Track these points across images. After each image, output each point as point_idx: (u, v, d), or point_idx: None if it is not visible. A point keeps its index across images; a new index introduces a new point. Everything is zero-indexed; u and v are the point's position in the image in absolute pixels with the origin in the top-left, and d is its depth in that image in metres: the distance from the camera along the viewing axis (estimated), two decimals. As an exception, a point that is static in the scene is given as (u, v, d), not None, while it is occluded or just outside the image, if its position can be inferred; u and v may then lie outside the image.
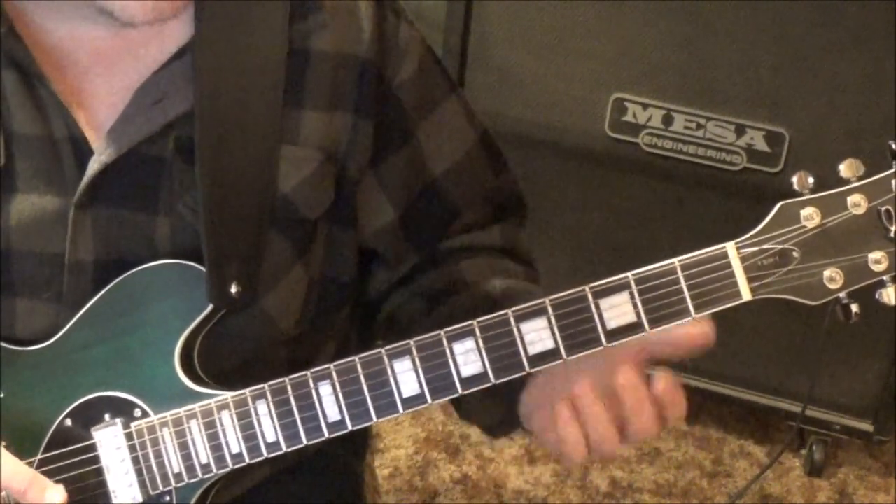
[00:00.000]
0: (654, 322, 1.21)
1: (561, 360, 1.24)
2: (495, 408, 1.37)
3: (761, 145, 2.62)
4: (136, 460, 1.36)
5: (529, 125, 2.74)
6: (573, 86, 2.69)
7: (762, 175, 2.64)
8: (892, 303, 1.19)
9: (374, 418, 1.29)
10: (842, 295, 1.20)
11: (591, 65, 2.66)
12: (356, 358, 1.28)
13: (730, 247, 1.19)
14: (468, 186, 1.51)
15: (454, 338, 1.25)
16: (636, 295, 1.21)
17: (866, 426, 2.87)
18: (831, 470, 3.06)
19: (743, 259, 1.19)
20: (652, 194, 2.76)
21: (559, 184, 2.79)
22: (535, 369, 1.25)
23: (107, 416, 1.36)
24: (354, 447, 1.72)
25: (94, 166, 1.32)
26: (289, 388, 1.31)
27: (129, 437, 1.36)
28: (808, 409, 2.74)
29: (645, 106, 2.66)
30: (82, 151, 1.33)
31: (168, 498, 1.37)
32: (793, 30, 2.52)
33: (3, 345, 1.38)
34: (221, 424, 1.33)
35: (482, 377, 1.25)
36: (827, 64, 2.52)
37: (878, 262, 1.18)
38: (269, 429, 1.32)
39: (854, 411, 2.87)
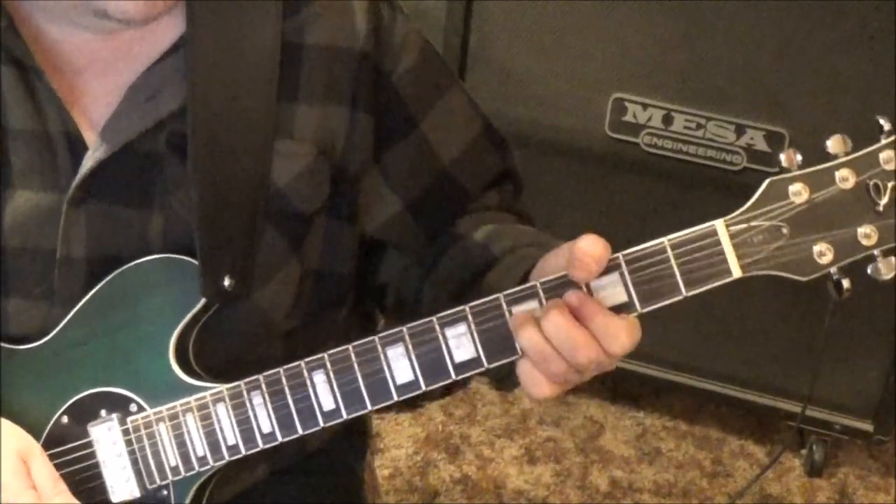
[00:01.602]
0: (646, 301, 1.21)
1: None
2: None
3: (761, 145, 2.62)
4: (132, 455, 1.36)
5: (529, 125, 2.74)
6: (573, 86, 2.69)
7: (762, 175, 2.60)
8: (884, 277, 1.18)
9: (369, 406, 1.29)
10: (833, 270, 1.19)
11: (591, 65, 2.66)
12: (349, 346, 1.29)
13: (719, 224, 1.20)
14: (476, 172, 1.52)
15: (446, 323, 1.25)
16: (626, 275, 1.20)
17: (866, 426, 2.87)
18: (831, 470, 3.06)
19: (732, 236, 1.19)
20: (652, 194, 2.76)
21: (559, 184, 2.79)
22: None
23: (103, 412, 1.37)
24: (354, 447, 1.72)
25: (87, 163, 1.32)
26: (283, 378, 1.31)
27: (125, 432, 1.36)
28: (808, 409, 2.74)
29: (645, 106, 2.66)
30: (77, 148, 1.34)
31: (165, 492, 1.37)
32: (793, 30, 2.51)
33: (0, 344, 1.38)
34: (217, 417, 1.33)
35: (475, 362, 1.25)
36: (827, 64, 2.52)
37: (867, 235, 1.18)
38: (264, 419, 1.32)
39: (854, 411, 2.87)
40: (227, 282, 1.34)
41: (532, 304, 1.23)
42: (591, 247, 1.19)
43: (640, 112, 2.67)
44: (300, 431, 1.31)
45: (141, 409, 1.36)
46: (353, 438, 1.70)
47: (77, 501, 1.34)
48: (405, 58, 1.43)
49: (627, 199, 2.78)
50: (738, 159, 2.64)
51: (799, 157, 1.18)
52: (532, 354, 1.21)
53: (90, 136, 1.34)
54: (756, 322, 2.82)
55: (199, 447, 1.34)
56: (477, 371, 1.26)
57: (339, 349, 1.29)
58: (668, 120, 2.66)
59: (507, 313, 1.23)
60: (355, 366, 1.28)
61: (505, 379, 1.39)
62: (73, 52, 1.33)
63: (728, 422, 3.18)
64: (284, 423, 1.32)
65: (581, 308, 1.19)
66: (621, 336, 1.19)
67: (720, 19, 2.55)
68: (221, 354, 1.41)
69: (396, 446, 3.02)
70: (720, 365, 2.91)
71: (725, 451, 3.09)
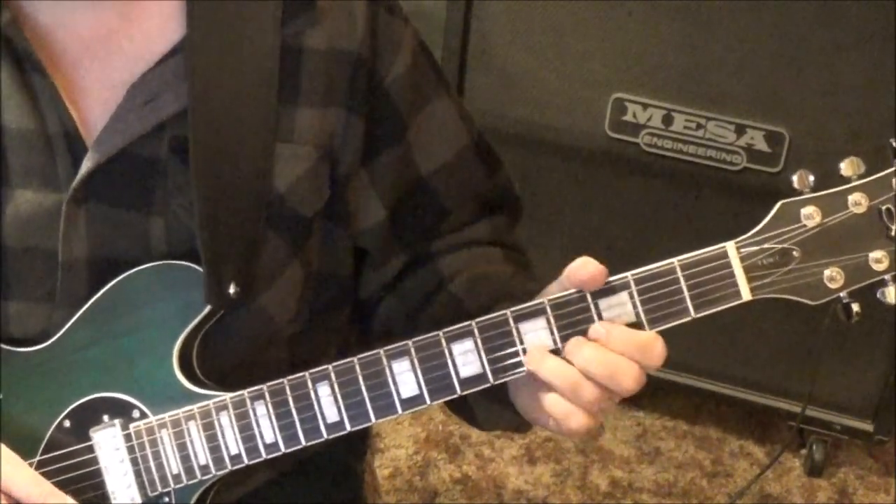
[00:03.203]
0: (654, 322, 1.22)
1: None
2: (507, 413, 1.36)
3: (761, 145, 2.62)
4: (134, 461, 1.36)
5: (529, 125, 2.74)
6: (573, 86, 2.69)
7: (762, 175, 2.64)
8: (893, 302, 1.19)
9: (373, 419, 1.29)
10: (842, 294, 1.20)
11: (591, 65, 2.66)
12: (355, 359, 1.28)
13: (730, 246, 1.19)
14: (459, 187, 1.50)
15: (453, 338, 1.25)
16: (636, 295, 1.21)
17: (866, 426, 2.88)
18: (831, 470, 3.06)
19: (743, 259, 1.19)
20: (652, 194, 2.76)
21: (559, 184, 2.80)
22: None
23: (105, 418, 1.36)
24: (354, 447, 1.72)
25: (87, 164, 1.32)
26: (287, 388, 1.31)
27: (127, 438, 1.35)
28: (808, 409, 2.74)
29: (645, 106, 2.67)
30: (76, 147, 1.33)
31: (167, 499, 1.36)
32: (793, 30, 2.52)
33: (3, 346, 1.37)
34: (220, 426, 1.33)
35: (481, 378, 1.25)
36: (827, 64, 2.53)
37: (878, 261, 1.18)
38: (267, 430, 1.32)
39: (854, 411, 2.88)
40: (232, 288, 1.33)
41: (539, 322, 1.23)
42: (585, 259, 1.22)
43: (640, 112, 2.67)
44: (303, 443, 1.31)
45: (143, 415, 1.35)
46: (353, 438, 1.68)
47: (70, 499, 1.34)
48: (399, 63, 1.42)
49: (627, 199, 2.78)
50: (738, 159, 2.64)
51: (811, 179, 1.18)
52: (563, 386, 1.22)
53: (88, 135, 1.34)
54: (756, 322, 2.82)
55: (202, 455, 1.34)
56: (482, 387, 1.26)
57: (343, 361, 1.29)
58: (668, 120, 2.66)
59: (514, 330, 1.24)
60: (360, 379, 1.28)
61: (521, 427, 1.40)
62: (66, 40, 1.32)
63: (728, 422, 3.18)
64: (288, 434, 1.31)
65: (609, 335, 1.21)
66: (657, 347, 1.21)
67: (720, 19, 2.55)
68: (226, 360, 1.40)
69: (396, 446, 3.02)
70: (720, 365, 2.92)
71: (725, 451, 3.09)
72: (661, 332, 1.22)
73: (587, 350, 1.21)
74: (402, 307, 1.50)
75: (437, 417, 3.11)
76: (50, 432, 1.37)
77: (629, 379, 1.21)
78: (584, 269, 1.21)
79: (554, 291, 1.25)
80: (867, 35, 2.48)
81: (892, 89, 2.47)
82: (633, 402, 3.21)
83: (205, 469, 1.34)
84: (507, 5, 2.66)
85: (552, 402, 1.24)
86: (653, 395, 3.23)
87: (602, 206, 2.80)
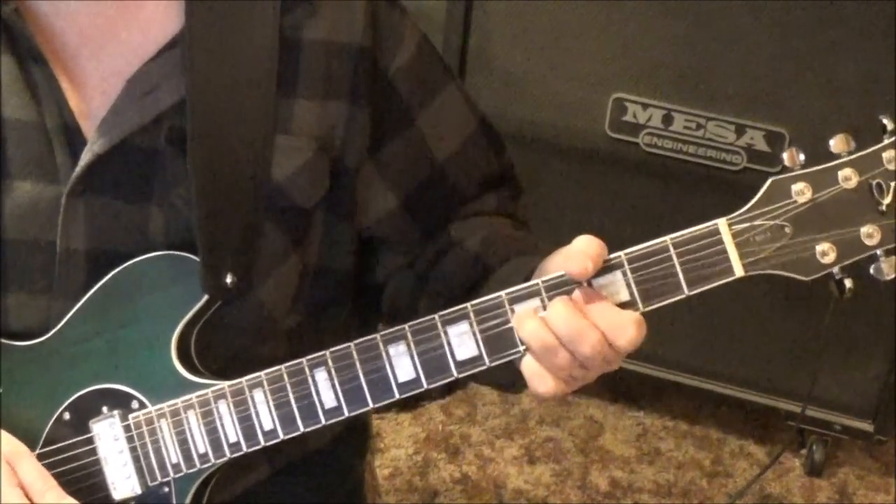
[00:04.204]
0: (648, 300, 1.21)
1: None
2: (503, 369, 1.36)
3: (761, 145, 2.62)
4: (134, 452, 1.36)
5: (529, 125, 2.74)
6: (573, 86, 2.69)
7: (762, 175, 2.61)
8: (886, 277, 1.19)
9: (371, 404, 1.29)
10: (835, 270, 1.20)
11: (591, 65, 2.66)
12: (351, 344, 1.29)
13: (721, 223, 1.20)
14: (472, 170, 1.52)
15: (449, 321, 1.25)
16: (628, 273, 1.21)
17: (866, 426, 2.87)
18: (831, 470, 3.06)
19: (735, 235, 1.20)
20: (652, 194, 2.76)
21: (559, 184, 2.80)
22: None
23: (104, 409, 1.37)
24: (355, 446, 1.71)
25: (86, 156, 1.33)
26: (285, 375, 1.31)
27: (126, 428, 1.36)
28: (808, 409, 2.74)
29: (645, 106, 2.67)
30: (74, 139, 1.34)
31: (167, 489, 1.37)
32: (793, 30, 2.52)
33: (2, 340, 1.38)
34: (219, 414, 1.33)
35: (477, 360, 1.25)
36: (827, 64, 2.53)
37: (870, 235, 1.18)
38: (265, 416, 1.32)
39: (854, 411, 2.87)
40: (229, 279, 1.34)
41: (534, 303, 1.23)
42: (585, 245, 1.20)
43: (640, 112, 2.67)
44: (301, 429, 1.31)
45: (143, 405, 1.36)
46: (353, 438, 1.69)
47: (70, 499, 1.34)
48: (402, 53, 1.43)
49: (627, 199, 2.78)
50: (738, 159, 2.64)
51: (801, 157, 1.19)
52: (535, 346, 1.22)
53: (87, 128, 1.34)
54: (756, 322, 2.82)
55: (201, 444, 1.34)
56: (479, 369, 1.26)
57: (340, 347, 1.29)
58: (668, 120, 2.66)
59: (509, 311, 1.24)
60: (357, 363, 1.28)
61: (513, 386, 1.40)
62: (66, 30, 1.33)
63: (728, 422, 3.18)
64: (286, 420, 1.32)
65: (588, 303, 1.20)
66: (629, 329, 1.20)
67: (720, 19, 2.55)
68: (225, 352, 1.41)
69: (396, 446, 3.02)
70: (720, 365, 2.91)
71: (725, 451, 3.09)
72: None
73: (558, 305, 1.20)
74: (411, 273, 1.51)
75: (437, 417, 3.11)
76: (50, 425, 1.38)
77: (587, 346, 1.19)
78: (579, 265, 1.21)
79: (556, 263, 1.25)
80: (867, 35, 2.48)
81: (893, 89, 2.47)
82: (633, 401, 3.21)
83: (204, 457, 1.35)
84: (507, 5, 2.67)
85: (525, 363, 1.24)
86: (653, 395, 3.23)
87: (602, 206, 2.80)
